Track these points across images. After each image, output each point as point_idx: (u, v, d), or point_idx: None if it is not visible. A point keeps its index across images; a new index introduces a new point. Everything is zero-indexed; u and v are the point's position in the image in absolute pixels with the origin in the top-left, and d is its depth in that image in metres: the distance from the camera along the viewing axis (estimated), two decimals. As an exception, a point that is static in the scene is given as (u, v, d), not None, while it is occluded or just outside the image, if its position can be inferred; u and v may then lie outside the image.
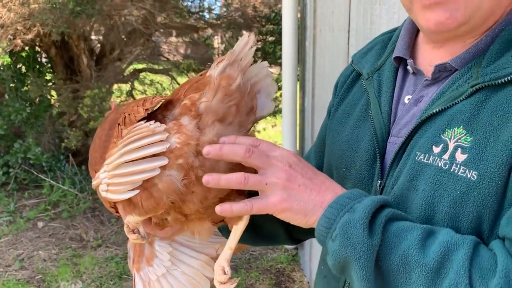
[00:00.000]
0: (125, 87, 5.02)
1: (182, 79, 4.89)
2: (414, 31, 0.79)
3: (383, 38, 0.88)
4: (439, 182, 0.64)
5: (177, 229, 0.84)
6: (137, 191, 0.68)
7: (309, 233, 0.97)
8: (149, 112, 0.73)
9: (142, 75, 4.79)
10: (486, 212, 0.61)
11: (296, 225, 0.90)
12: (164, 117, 0.74)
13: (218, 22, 3.98)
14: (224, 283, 0.74)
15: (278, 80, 3.07)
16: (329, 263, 0.65)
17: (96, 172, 0.77)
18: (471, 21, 0.67)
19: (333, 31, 2.37)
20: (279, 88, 4.32)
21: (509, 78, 0.61)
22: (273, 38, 3.76)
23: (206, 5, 3.84)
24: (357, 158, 0.78)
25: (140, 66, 5.04)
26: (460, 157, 0.63)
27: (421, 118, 0.69)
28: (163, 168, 0.67)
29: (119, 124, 0.75)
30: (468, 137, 0.64)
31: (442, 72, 0.71)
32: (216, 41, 4.39)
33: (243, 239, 0.79)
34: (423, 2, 0.68)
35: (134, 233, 0.78)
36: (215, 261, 0.90)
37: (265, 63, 0.80)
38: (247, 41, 0.73)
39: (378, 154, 0.75)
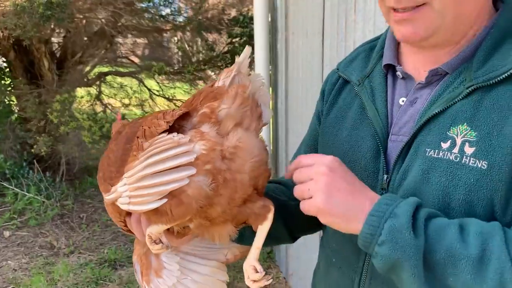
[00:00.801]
0: (91, 90, 4.93)
1: (149, 82, 4.87)
2: (397, 41, 0.88)
3: (364, 48, 0.96)
4: (453, 174, 0.72)
5: (195, 235, 0.87)
6: (165, 200, 0.70)
7: (307, 231, 1.05)
8: (170, 124, 0.75)
9: (108, 78, 4.73)
10: (497, 197, 0.69)
11: (296, 225, 0.97)
12: (182, 127, 0.77)
13: (184, 23, 4.00)
14: (259, 281, 0.78)
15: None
16: (376, 265, 0.71)
17: (112, 186, 0.78)
18: (435, 36, 0.77)
19: (307, 35, 2.47)
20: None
21: (498, 79, 0.71)
22: (243, 40, 3.83)
23: (174, 7, 3.84)
24: (361, 156, 0.85)
25: (105, 69, 4.97)
26: (469, 150, 0.72)
27: (424, 118, 0.77)
28: (191, 175, 0.70)
29: (138, 137, 0.76)
30: (473, 133, 0.72)
31: (434, 76, 0.80)
32: (187, 43, 4.42)
33: (250, 243, 0.84)
34: (394, 18, 0.78)
35: (156, 243, 0.80)
36: (225, 265, 0.95)
37: (260, 74, 0.86)
38: (247, 54, 0.80)
39: (381, 152, 0.83)
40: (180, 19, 3.96)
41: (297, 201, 0.80)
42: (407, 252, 0.66)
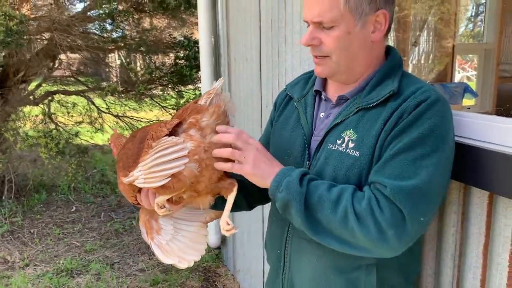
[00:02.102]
0: (38, 109, 5.05)
1: (98, 101, 5.08)
2: None
3: (304, 77, 1.37)
4: (341, 159, 1.12)
5: (186, 203, 1.26)
6: (169, 179, 1.09)
7: (260, 201, 1.46)
8: (170, 130, 1.15)
9: (56, 97, 4.89)
10: (364, 174, 1.10)
11: (252, 197, 1.38)
12: (176, 131, 1.16)
13: (133, 45, 4.29)
14: (229, 230, 1.18)
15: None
16: (277, 206, 1.11)
17: (129, 172, 1.15)
18: (335, 76, 1.17)
19: (246, 61, 2.91)
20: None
21: (373, 104, 1.11)
22: (188, 62, 4.20)
23: (121, 30, 4.12)
24: (294, 149, 1.25)
25: (53, 88, 5.12)
26: (351, 145, 1.10)
27: (330, 126, 1.17)
28: (185, 163, 1.10)
29: (148, 139, 1.15)
30: (355, 135, 1.10)
31: (341, 100, 1.21)
32: (137, 63, 4.69)
33: (223, 208, 1.25)
34: (314, 60, 1.21)
35: (161, 208, 1.18)
36: (205, 225, 1.35)
37: (228, 93, 1.26)
38: (221, 82, 1.22)
39: (306, 147, 1.23)
40: (129, 41, 4.25)
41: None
42: (295, 196, 1.05)
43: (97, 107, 4.94)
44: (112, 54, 4.93)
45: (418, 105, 1.04)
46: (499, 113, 3.67)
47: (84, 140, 5.01)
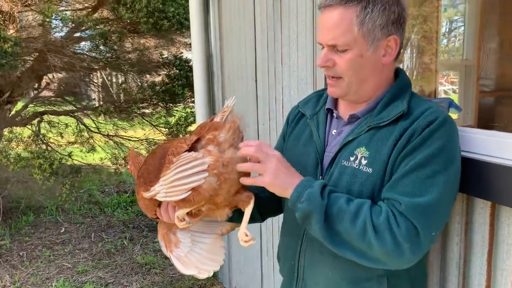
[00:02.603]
0: (26, 131, 5.02)
1: (87, 121, 5.07)
2: None
3: (316, 95, 1.43)
4: (354, 174, 1.18)
5: (205, 216, 1.29)
6: (189, 192, 1.13)
7: (273, 213, 1.50)
8: (189, 146, 1.20)
9: (46, 117, 4.87)
10: (376, 189, 1.16)
11: (265, 209, 1.43)
12: (195, 147, 1.21)
13: (123, 65, 4.33)
14: (248, 241, 1.22)
15: (195, 118, 3.56)
16: (297, 215, 1.13)
17: (151, 187, 1.19)
18: (347, 96, 1.23)
19: (242, 78, 2.98)
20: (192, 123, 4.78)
21: (384, 123, 1.17)
22: (180, 81, 4.26)
23: (108, 49, 4.15)
24: (307, 164, 1.30)
25: (41, 109, 5.10)
26: (364, 161, 1.16)
27: (343, 143, 1.23)
28: (205, 177, 1.14)
29: (169, 155, 1.20)
30: (367, 152, 1.15)
31: (352, 118, 1.27)
32: (129, 83, 4.73)
33: (239, 221, 1.30)
34: (327, 81, 1.28)
35: (181, 221, 1.22)
36: (222, 237, 1.40)
37: (239, 111, 1.32)
38: (234, 100, 1.28)
39: (319, 162, 1.28)
40: (121, 61, 4.29)
41: (265, 194, 1.28)
42: (316, 207, 1.10)
43: (86, 127, 4.94)
44: (104, 74, 4.95)
45: (428, 125, 1.11)
46: (480, 126, 3.81)
47: (76, 160, 4.99)
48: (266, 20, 2.52)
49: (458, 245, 1.36)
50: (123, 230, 5.13)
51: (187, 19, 4.05)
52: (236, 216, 1.31)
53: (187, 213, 1.24)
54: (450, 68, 4.94)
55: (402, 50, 1.23)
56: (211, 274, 1.29)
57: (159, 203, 1.26)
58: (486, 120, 4.02)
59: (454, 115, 4.04)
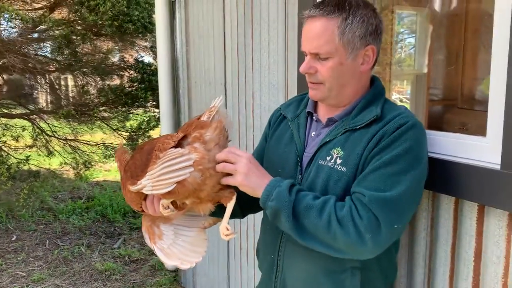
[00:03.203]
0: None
1: (44, 125, 4.90)
2: None
3: (297, 99, 1.51)
4: (329, 173, 1.27)
5: (189, 209, 1.34)
6: (175, 185, 1.18)
7: (253, 210, 1.56)
8: (176, 143, 1.24)
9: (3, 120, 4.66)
10: (349, 187, 1.25)
11: (246, 206, 1.48)
12: (181, 144, 1.25)
13: (86, 68, 4.25)
14: (229, 235, 1.27)
15: (157, 122, 3.55)
16: (267, 213, 1.20)
17: (137, 181, 1.23)
18: (326, 100, 1.32)
19: (209, 84, 3.03)
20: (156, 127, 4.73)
21: (359, 126, 1.27)
22: (143, 85, 4.23)
23: (78, 52, 4.06)
24: (288, 164, 1.38)
25: (-8, 111, 4.88)
26: (338, 161, 1.26)
27: (320, 144, 1.32)
28: (190, 172, 1.19)
29: (155, 150, 1.24)
30: (342, 152, 1.24)
31: (330, 121, 1.35)
32: (91, 86, 4.62)
33: (220, 215, 1.34)
34: (308, 85, 1.36)
35: (166, 209, 1.26)
36: (204, 230, 1.44)
37: (226, 110, 1.39)
38: (221, 100, 1.34)
39: (299, 162, 1.36)
40: (83, 63, 4.20)
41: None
42: (285, 204, 1.17)
43: (42, 131, 4.78)
44: (62, 76, 4.81)
45: (397, 128, 1.21)
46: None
47: (33, 165, 4.80)
48: (236, 26, 2.58)
49: (424, 239, 1.48)
50: (79, 237, 4.99)
51: (151, 23, 4.05)
52: (218, 211, 1.36)
53: (172, 204, 1.28)
54: (402, 78, 5.22)
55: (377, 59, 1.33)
56: (193, 265, 1.34)
57: (145, 197, 1.30)
58: (435, 127, 4.28)
59: (407, 122, 4.27)
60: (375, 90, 1.34)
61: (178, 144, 1.26)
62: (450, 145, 1.39)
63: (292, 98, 1.56)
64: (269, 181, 1.23)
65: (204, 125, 1.29)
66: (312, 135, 1.38)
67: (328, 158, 1.28)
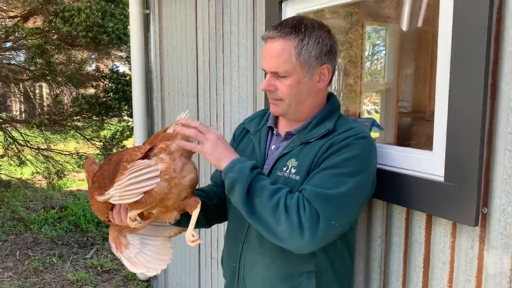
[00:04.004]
0: None
1: (16, 134, 4.85)
2: None
3: (260, 113, 1.59)
4: (286, 183, 1.33)
5: (155, 218, 1.39)
6: (142, 195, 1.24)
7: (218, 220, 1.62)
8: (143, 154, 1.30)
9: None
10: None
11: (211, 215, 1.55)
12: (148, 155, 1.31)
13: (61, 78, 4.25)
14: (195, 241, 1.33)
15: (131, 132, 3.58)
16: (225, 183, 1.25)
17: (105, 191, 1.28)
18: (286, 115, 1.41)
19: (182, 95, 3.09)
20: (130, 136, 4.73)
21: (312, 140, 1.35)
22: (117, 95, 4.25)
23: (52, 62, 4.06)
24: None
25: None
26: (293, 170, 1.34)
27: (279, 156, 1.40)
28: (156, 181, 1.25)
29: (123, 161, 1.29)
30: (296, 162, 1.31)
31: (288, 135, 1.44)
32: (66, 97, 4.61)
33: (185, 225, 1.40)
34: (269, 101, 1.44)
35: (133, 221, 1.31)
36: (169, 239, 1.50)
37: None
38: (186, 113, 1.41)
39: None
40: (58, 73, 4.20)
41: (211, 202, 1.45)
42: (243, 177, 1.23)
43: (15, 140, 4.73)
44: (36, 85, 4.79)
45: (346, 138, 1.30)
46: (399, 143, 4.20)
47: (4, 174, 4.74)
48: (208, 41, 2.66)
49: (380, 247, 1.57)
50: (51, 247, 4.94)
51: (126, 34, 4.09)
52: (183, 220, 1.42)
53: (139, 215, 1.34)
54: (373, 90, 5.38)
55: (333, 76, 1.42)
56: (159, 272, 1.40)
57: (112, 207, 1.35)
58: (404, 138, 4.43)
59: (376, 134, 4.42)
60: (330, 107, 1.43)
61: (146, 156, 1.31)
62: (402, 158, 1.49)
63: (256, 112, 1.64)
64: (235, 157, 1.30)
65: (170, 136, 1.35)
66: (272, 148, 1.46)
67: (284, 169, 1.36)
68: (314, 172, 1.28)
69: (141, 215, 1.34)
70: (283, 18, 1.92)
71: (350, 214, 1.29)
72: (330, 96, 1.47)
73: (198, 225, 1.48)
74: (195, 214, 1.37)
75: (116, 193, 1.27)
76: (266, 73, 1.38)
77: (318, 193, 1.21)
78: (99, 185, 1.32)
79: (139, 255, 1.43)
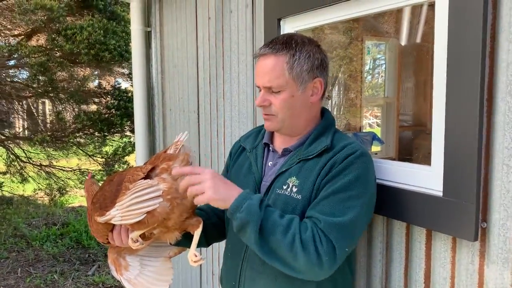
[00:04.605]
0: None
1: (18, 151, 4.87)
2: None
3: (256, 131, 1.60)
4: (286, 201, 1.34)
5: (156, 238, 1.38)
6: (144, 215, 1.23)
7: (217, 239, 1.62)
8: (145, 175, 1.31)
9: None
10: (304, 213, 1.32)
11: (211, 235, 1.55)
12: (150, 176, 1.31)
13: (63, 95, 4.29)
14: (197, 261, 1.32)
15: (133, 148, 3.59)
16: (234, 225, 1.22)
17: (106, 212, 1.27)
18: (280, 131, 1.42)
19: (183, 111, 3.11)
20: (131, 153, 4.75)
21: (311, 156, 1.36)
22: (119, 111, 4.28)
23: (54, 80, 4.10)
24: None
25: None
26: (294, 189, 1.35)
27: (277, 173, 1.40)
28: (159, 202, 1.25)
29: (125, 181, 1.29)
30: (297, 181, 1.31)
31: (285, 151, 1.45)
32: (67, 112, 4.64)
33: (185, 244, 1.41)
34: (263, 117, 1.46)
35: (135, 243, 1.30)
36: (170, 259, 1.49)
37: (190, 146, 1.46)
38: (186, 134, 1.42)
39: (257, 190, 1.43)
40: (60, 90, 4.24)
41: (210, 221, 1.44)
42: (254, 218, 1.20)
43: (17, 157, 4.76)
44: (39, 102, 4.83)
45: (347, 157, 1.31)
46: (400, 157, 4.20)
47: (6, 191, 4.76)
48: (208, 58, 2.69)
49: (380, 262, 1.57)
50: (53, 264, 4.92)
51: (128, 51, 4.13)
52: (182, 240, 1.42)
53: (140, 236, 1.33)
54: (373, 104, 5.41)
55: (330, 88, 1.44)
56: None
57: (112, 228, 1.34)
58: (405, 151, 4.43)
59: (377, 148, 4.42)
60: (325, 123, 1.45)
61: (147, 176, 1.32)
62: (401, 173, 1.49)
63: (251, 130, 1.66)
64: (238, 192, 1.27)
65: (172, 157, 1.36)
66: (269, 165, 1.47)
67: (284, 187, 1.36)
68: (321, 196, 1.28)
69: (142, 236, 1.34)
70: (282, 35, 1.95)
71: (359, 236, 1.31)
72: (324, 111, 1.48)
73: (198, 244, 1.46)
74: (197, 234, 1.37)
75: (118, 214, 1.26)
76: (260, 90, 1.40)
77: (331, 224, 1.22)
78: (100, 206, 1.32)
79: (140, 276, 1.42)
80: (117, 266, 1.42)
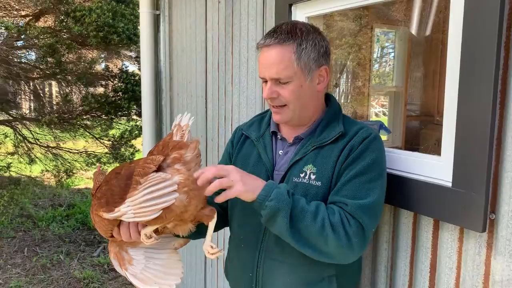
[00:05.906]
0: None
1: (25, 132, 4.90)
2: None
3: (258, 118, 1.58)
4: (306, 189, 1.34)
5: (169, 231, 1.34)
6: (161, 211, 1.15)
7: (219, 227, 1.57)
8: (156, 167, 1.22)
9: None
10: (325, 199, 1.32)
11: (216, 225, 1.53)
12: (160, 167, 1.24)
13: (71, 77, 4.29)
14: (215, 253, 1.28)
15: (140, 131, 3.60)
16: (263, 213, 1.21)
17: (115, 208, 1.19)
18: (291, 121, 1.40)
19: (191, 96, 3.10)
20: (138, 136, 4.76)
21: (326, 143, 1.36)
22: (127, 94, 4.28)
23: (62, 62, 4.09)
24: None
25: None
26: (313, 177, 1.34)
27: (292, 161, 1.38)
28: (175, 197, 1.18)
29: (135, 175, 1.21)
30: (314, 168, 1.32)
31: (296, 139, 1.44)
32: (75, 94, 4.65)
33: (197, 237, 1.39)
34: (271, 109, 1.44)
35: (149, 238, 1.25)
36: (176, 250, 1.46)
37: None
38: (191, 119, 1.35)
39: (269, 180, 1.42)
40: (68, 72, 4.24)
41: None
42: (284, 205, 1.20)
43: (25, 138, 4.78)
44: (46, 84, 4.84)
45: (363, 140, 1.32)
46: (407, 147, 4.18)
47: (14, 172, 4.80)
48: (218, 43, 2.67)
49: (386, 251, 1.58)
50: (59, 245, 4.98)
51: (136, 35, 4.12)
52: (194, 233, 1.38)
53: (153, 231, 1.28)
54: (381, 93, 5.38)
55: (338, 76, 1.43)
56: (174, 287, 1.32)
57: (118, 223, 1.27)
58: (412, 141, 4.41)
59: (384, 137, 4.41)
60: (333, 109, 1.45)
61: (159, 167, 1.22)
62: (410, 163, 1.49)
63: (252, 118, 1.63)
64: (263, 182, 1.26)
65: (183, 145, 1.28)
66: (280, 153, 1.46)
67: (301, 175, 1.36)
68: (344, 181, 1.29)
69: (155, 230, 1.28)
70: (292, 21, 1.93)
71: (380, 215, 1.36)
72: (329, 97, 1.48)
73: (200, 234, 1.43)
74: (212, 225, 1.32)
75: (130, 210, 1.17)
76: (263, 81, 1.38)
77: (358, 206, 1.25)
78: (107, 201, 1.22)
79: (146, 270, 1.34)
80: (121, 261, 1.35)
